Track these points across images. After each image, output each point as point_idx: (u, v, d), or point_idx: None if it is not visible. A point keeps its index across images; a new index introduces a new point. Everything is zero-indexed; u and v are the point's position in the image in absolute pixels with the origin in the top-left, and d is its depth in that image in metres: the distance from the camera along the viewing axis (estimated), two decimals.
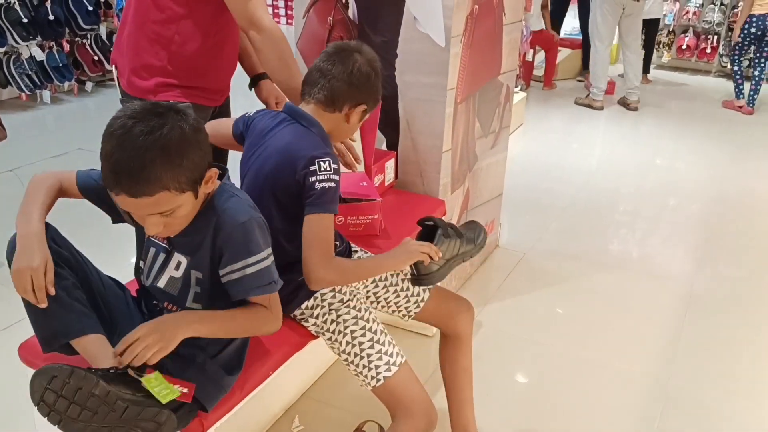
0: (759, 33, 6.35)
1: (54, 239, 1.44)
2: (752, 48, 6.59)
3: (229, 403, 1.55)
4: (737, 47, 6.56)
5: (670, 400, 2.44)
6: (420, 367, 2.37)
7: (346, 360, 1.76)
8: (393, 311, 1.97)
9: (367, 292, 1.94)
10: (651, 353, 2.72)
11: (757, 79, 6.57)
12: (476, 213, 3.11)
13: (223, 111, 2.31)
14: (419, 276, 1.84)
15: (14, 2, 5.40)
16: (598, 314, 2.99)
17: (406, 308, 1.95)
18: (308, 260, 1.64)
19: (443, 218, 1.98)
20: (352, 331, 1.74)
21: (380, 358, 1.72)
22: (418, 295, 1.95)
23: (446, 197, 2.70)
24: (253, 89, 2.41)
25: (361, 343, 1.73)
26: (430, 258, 1.80)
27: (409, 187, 2.70)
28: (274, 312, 1.52)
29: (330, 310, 1.76)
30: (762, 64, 6.54)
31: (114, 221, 1.59)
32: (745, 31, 6.39)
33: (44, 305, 1.37)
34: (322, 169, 1.63)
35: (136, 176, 1.26)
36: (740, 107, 6.62)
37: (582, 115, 6.38)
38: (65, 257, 1.44)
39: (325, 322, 1.77)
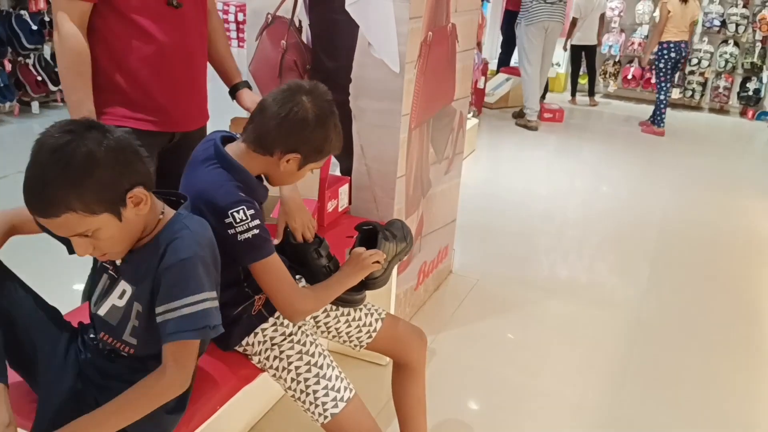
0: (677, 58, 6.76)
1: None
2: (677, 74, 6.94)
3: None
4: (662, 75, 6.86)
5: (619, 430, 2.44)
6: (373, 396, 2.34)
7: (293, 396, 1.70)
8: (344, 341, 1.92)
9: (317, 321, 1.89)
10: (601, 382, 2.72)
11: (664, 103, 7.04)
12: (431, 239, 3.09)
13: (185, 144, 2.12)
14: (368, 282, 1.85)
15: None
16: (550, 342, 2.99)
17: (357, 338, 1.90)
18: (279, 302, 1.62)
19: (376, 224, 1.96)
20: (297, 367, 1.68)
21: (326, 395, 1.66)
22: (370, 324, 1.90)
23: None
24: (234, 100, 2.30)
25: (306, 380, 1.67)
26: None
27: (362, 213, 2.67)
28: (179, 366, 1.34)
29: (272, 345, 1.70)
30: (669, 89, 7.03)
31: (69, 252, 1.47)
32: (666, 56, 6.72)
33: None
34: (238, 220, 1.54)
35: (39, 195, 1.23)
36: (658, 132, 7.02)
37: (532, 142, 6.49)
38: None
39: (267, 358, 1.70)
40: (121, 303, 1.42)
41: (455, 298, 3.28)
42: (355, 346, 1.91)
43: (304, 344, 1.70)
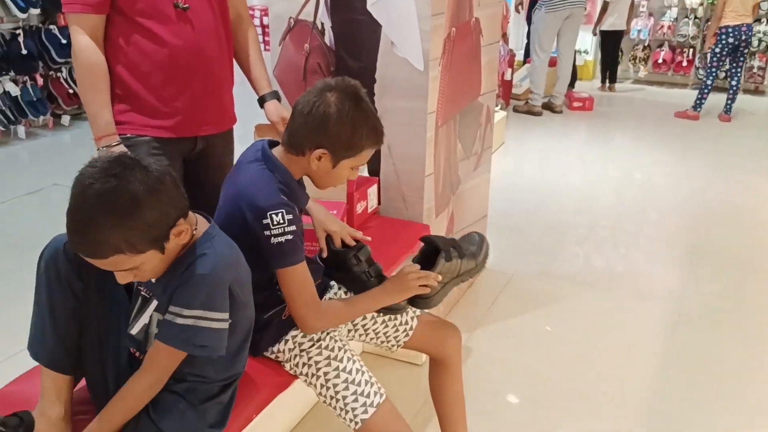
0: (736, 43, 6.49)
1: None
2: (728, 60, 6.72)
3: None
4: (714, 59, 6.67)
5: (662, 423, 2.40)
6: (411, 397, 2.33)
7: (325, 402, 1.70)
8: (382, 341, 1.91)
9: (354, 324, 1.88)
10: (641, 375, 2.67)
11: (734, 88, 6.77)
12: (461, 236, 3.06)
13: (209, 151, 2.16)
14: (416, 300, 1.78)
15: None
16: (587, 336, 2.95)
17: (395, 338, 1.90)
18: (295, 312, 1.63)
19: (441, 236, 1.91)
20: (325, 373, 1.67)
21: (356, 400, 1.65)
22: (407, 323, 1.89)
23: (431, 222, 2.66)
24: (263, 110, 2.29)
25: (335, 385, 1.66)
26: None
27: (392, 213, 2.66)
28: (152, 368, 1.38)
29: (301, 351, 1.70)
30: (738, 74, 6.72)
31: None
32: (723, 42, 6.52)
33: None
34: (275, 222, 1.54)
35: (86, 239, 1.25)
36: (693, 116, 6.83)
37: (562, 132, 6.41)
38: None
39: (297, 365, 1.71)
40: (148, 319, 1.45)
41: (489, 295, 3.25)
42: (393, 345, 1.90)
43: (332, 350, 1.69)
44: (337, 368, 1.67)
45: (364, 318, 1.88)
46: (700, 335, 2.97)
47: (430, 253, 1.82)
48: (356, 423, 1.65)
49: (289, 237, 1.55)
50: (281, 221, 1.54)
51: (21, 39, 5.56)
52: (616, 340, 2.92)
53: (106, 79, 1.94)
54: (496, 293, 3.26)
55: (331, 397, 1.67)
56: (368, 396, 1.66)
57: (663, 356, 2.80)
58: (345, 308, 1.70)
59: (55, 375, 1.42)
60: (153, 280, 1.41)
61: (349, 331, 1.89)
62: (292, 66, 2.64)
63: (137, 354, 1.47)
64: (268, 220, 1.54)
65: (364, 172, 2.73)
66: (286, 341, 1.70)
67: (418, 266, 1.77)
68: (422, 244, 1.87)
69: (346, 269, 1.81)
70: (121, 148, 1.92)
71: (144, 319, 1.44)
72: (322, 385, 1.68)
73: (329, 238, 1.89)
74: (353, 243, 1.89)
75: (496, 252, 3.62)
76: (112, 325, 1.47)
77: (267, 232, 1.54)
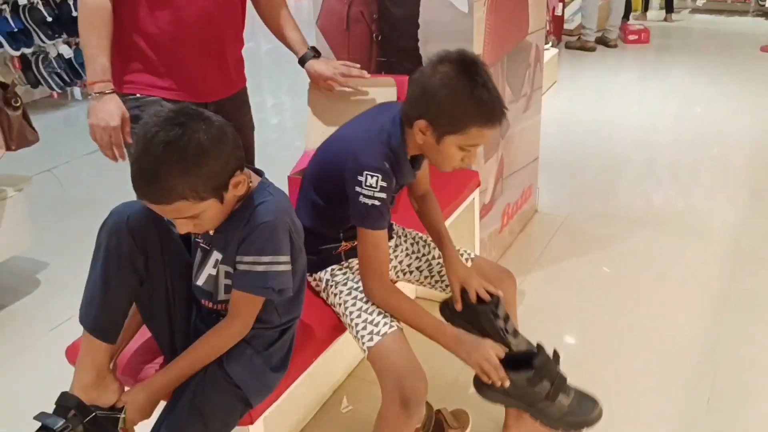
0: None
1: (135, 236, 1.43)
2: None
3: (278, 388, 1.55)
4: None
5: (719, 363, 2.37)
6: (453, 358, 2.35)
7: (350, 332, 1.74)
8: (436, 281, 1.94)
9: (409, 266, 1.93)
10: (698, 315, 2.64)
11: None
12: (513, 180, 3.05)
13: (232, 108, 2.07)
14: (478, 383, 1.66)
15: (37, 2, 5.45)
16: (643, 277, 2.91)
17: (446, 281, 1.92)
18: (362, 275, 1.71)
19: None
20: (345, 301, 1.73)
21: (365, 328, 1.68)
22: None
23: (480, 167, 2.65)
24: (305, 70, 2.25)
25: (351, 313, 1.71)
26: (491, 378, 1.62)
27: None
28: (238, 315, 1.45)
29: (334, 282, 1.78)
30: None
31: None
32: None
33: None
34: (368, 184, 1.57)
35: (153, 186, 1.30)
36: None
37: (617, 67, 6.21)
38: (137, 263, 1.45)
39: (328, 295, 1.79)
40: (214, 271, 1.50)
41: (542, 238, 3.24)
42: (446, 286, 1.92)
43: (357, 282, 1.75)
44: (355, 297, 1.73)
45: (419, 260, 1.92)
46: (760, 273, 2.90)
47: (531, 359, 1.65)
48: (364, 351, 1.68)
49: (377, 203, 1.59)
50: (374, 185, 1.58)
51: (71, 1, 5.65)
52: (672, 280, 2.88)
53: (108, 25, 1.89)
54: (549, 236, 3.25)
55: (348, 325, 1.72)
56: (376, 325, 1.67)
57: (720, 295, 2.75)
58: (407, 309, 1.68)
59: (95, 341, 1.45)
60: (211, 233, 1.46)
61: (394, 268, 1.93)
62: (335, 16, 2.63)
63: (209, 304, 1.53)
64: (363, 179, 1.58)
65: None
66: (326, 271, 1.79)
67: (502, 354, 1.63)
68: (536, 348, 1.69)
69: (483, 326, 1.75)
70: (115, 98, 1.90)
71: (209, 270, 1.50)
72: (342, 313, 1.74)
73: (464, 292, 1.81)
74: (488, 297, 1.79)
75: (549, 195, 3.62)
76: (179, 284, 1.53)
77: (357, 188, 1.59)
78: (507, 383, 1.61)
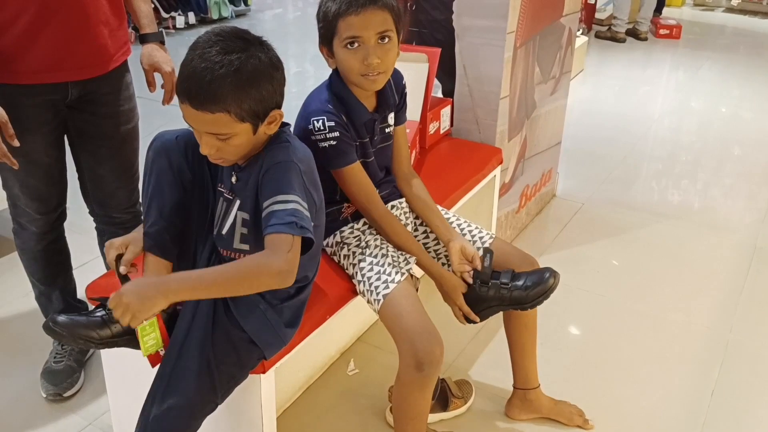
0: None
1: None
2: None
3: (291, 342, 1.58)
4: None
5: (729, 353, 2.38)
6: (487, 329, 2.36)
7: (359, 291, 1.76)
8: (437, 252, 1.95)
9: (427, 249, 1.92)
10: (710, 306, 2.65)
11: None
12: (534, 162, 3.05)
13: (92, 97, 1.89)
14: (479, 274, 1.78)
15: None
16: (656, 266, 2.92)
17: None
18: (359, 207, 1.78)
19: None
20: (356, 259, 1.77)
21: (379, 278, 1.70)
22: (482, 239, 1.91)
23: (503, 145, 2.65)
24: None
25: (362, 268, 1.74)
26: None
27: (464, 135, 2.66)
28: (275, 252, 1.33)
29: (345, 244, 1.81)
30: None
31: None
32: None
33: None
34: (316, 128, 1.66)
35: (205, 89, 1.31)
36: None
37: (646, 60, 6.15)
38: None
39: (340, 257, 1.82)
40: (234, 218, 1.51)
41: (558, 222, 3.24)
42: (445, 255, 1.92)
43: (368, 242, 1.79)
44: (363, 252, 1.77)
45: (438, 244, 1.92)
46: None
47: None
48: (377, 303, 1.68)
49: (333, 142, 1.67)
50: (321, 127, 1.66)
51: None
52: (686, 271, 2.88)
53: None
54: (565, 221, 3.25)
55: (359, 281, 1.74)
56: (389, 275, 1.69)
57: (734, 288, 2.75)
58: (395, 229, 1.78)
59: (156, 259, 1.49)
60: (233, 180, 1.48)
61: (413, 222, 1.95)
62: None
63: (225, 252, 1.54)
64: (311, 126, 1.66)
65: (438, 93, 2.72)
66: (335, 236, 1.83)
67: (465, 289, 1.78)
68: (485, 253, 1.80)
69: (480, 300, 1.79)
70: None
71: (230, 219, 1.51)
72: (354, 271, 1.76)
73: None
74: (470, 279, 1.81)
75: (568, 180, 3.61)
76: (204, 224, 1.55)
77: (313, 137, 1.67)
78: (476, 318, 1.79)
